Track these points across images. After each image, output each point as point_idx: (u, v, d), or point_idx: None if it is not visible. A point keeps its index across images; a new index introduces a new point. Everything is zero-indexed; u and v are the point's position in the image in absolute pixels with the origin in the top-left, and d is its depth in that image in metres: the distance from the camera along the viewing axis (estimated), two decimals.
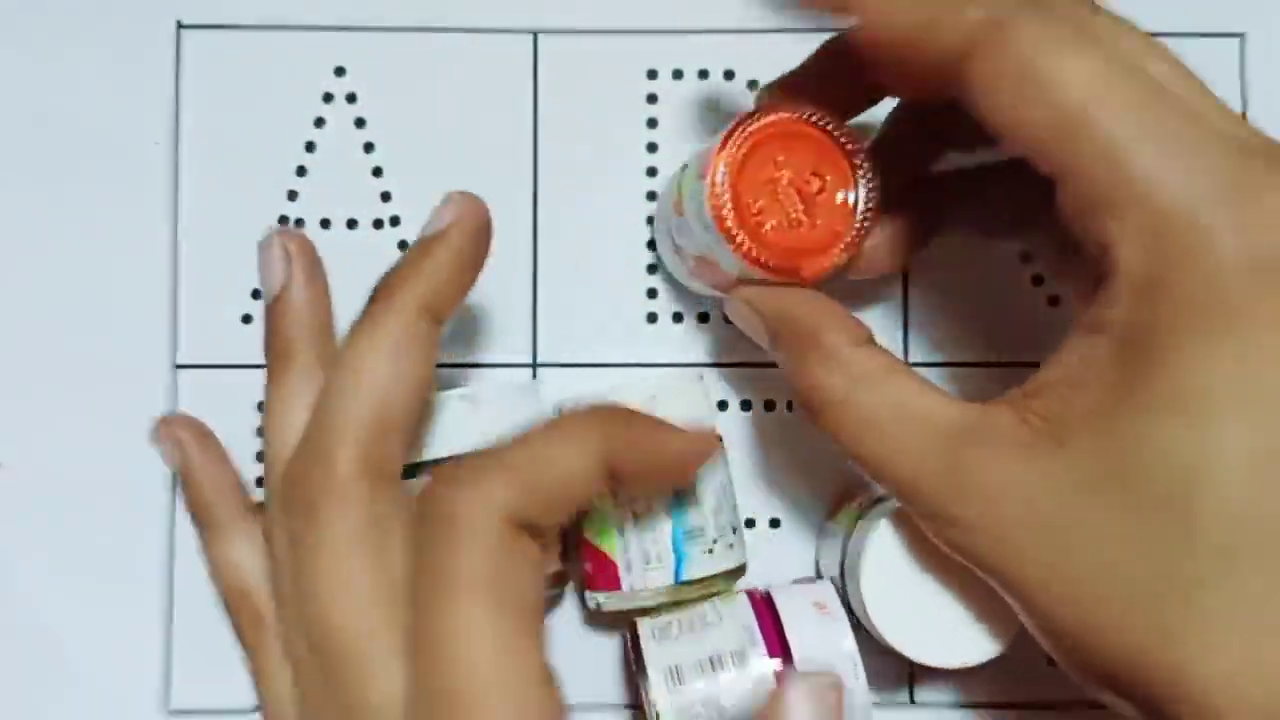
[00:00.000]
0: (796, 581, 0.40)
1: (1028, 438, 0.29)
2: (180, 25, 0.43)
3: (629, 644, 0.39)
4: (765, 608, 0.38)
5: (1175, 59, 0.29)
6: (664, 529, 0.37)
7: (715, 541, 0.37)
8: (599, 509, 0.38)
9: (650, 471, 0.31)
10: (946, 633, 0.35)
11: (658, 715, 0.36)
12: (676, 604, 0.39)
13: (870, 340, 0.33)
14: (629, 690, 0.42)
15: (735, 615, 0.38)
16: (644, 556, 0.37)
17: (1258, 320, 0.26)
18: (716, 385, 0.43)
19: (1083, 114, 0.27)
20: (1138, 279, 0.27)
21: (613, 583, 0.38)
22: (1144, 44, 0.29)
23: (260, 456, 0.42)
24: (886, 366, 0.32)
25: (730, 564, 0.38)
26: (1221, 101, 0.29)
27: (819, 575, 0.42)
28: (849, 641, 0.37)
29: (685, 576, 0.37)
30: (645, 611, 0.39)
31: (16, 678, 0.42)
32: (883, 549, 0.36)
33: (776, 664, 0.37)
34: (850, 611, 0.38)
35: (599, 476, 0.30)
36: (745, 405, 0.43)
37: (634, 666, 0.38)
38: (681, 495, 0.37)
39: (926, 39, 0.29)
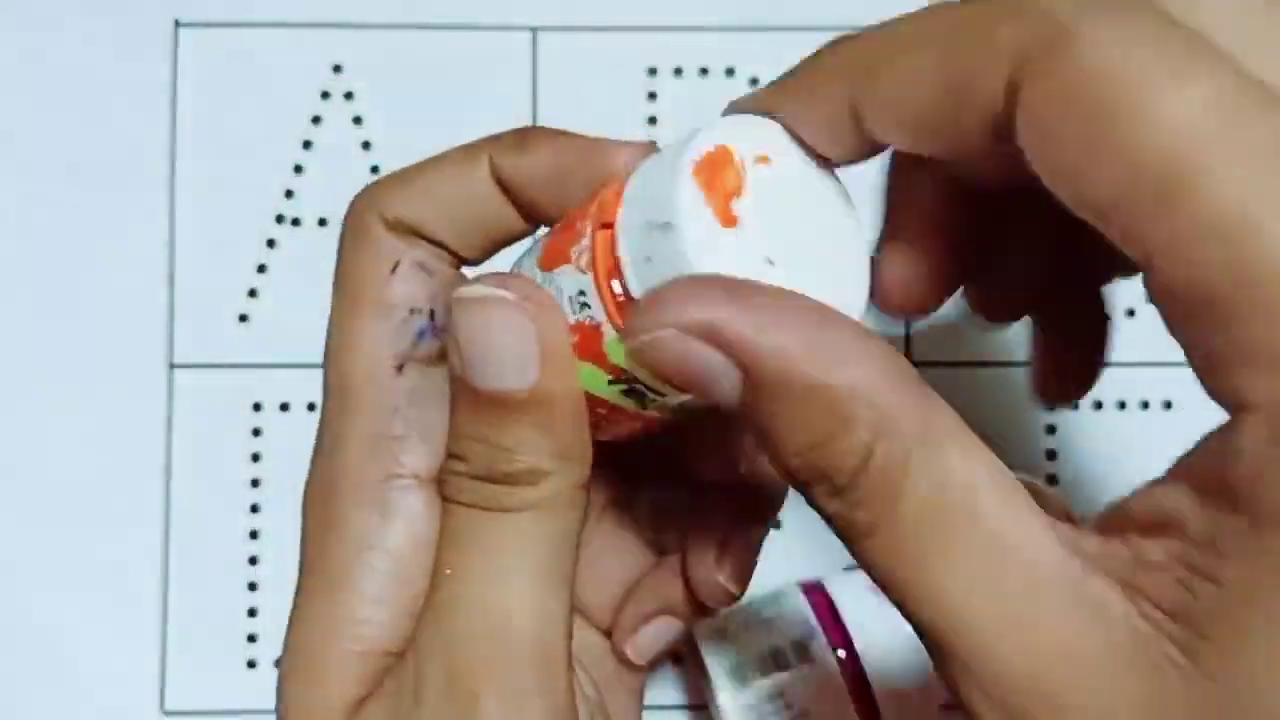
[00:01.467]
0: (847, 569, 0.40)
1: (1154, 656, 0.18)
2: (178, 23, 0.43)
3: (688, 647, 0.39)
4: (820, 597, 0.38)
5: None
6: None
7: None
8: None
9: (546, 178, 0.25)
10: None
11: (725, 717, 0.37)
12: None
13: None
14: (690, 691, 0.42)
15: (791, 608, 0.38)
16: None
17: None
18: None
19: (1186, 163, 0.17)
20: None
21: None
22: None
23: (257, 457, 0.42)
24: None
25: None
26: None
27: None
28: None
29: None
30: None
31: (12, 678, 0.42)
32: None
33: (840, 654, 0.37)
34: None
35: (488, 179, 0.26)
36: None
37: (696, 670, 0.39)
38: None
39: (958, 98, 0.20)
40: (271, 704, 0.42)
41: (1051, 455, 0.43)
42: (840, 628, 0.37)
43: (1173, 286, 0.18)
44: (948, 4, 0.21)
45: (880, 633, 0.37)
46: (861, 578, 0.39)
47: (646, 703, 0.42)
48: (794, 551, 0.43)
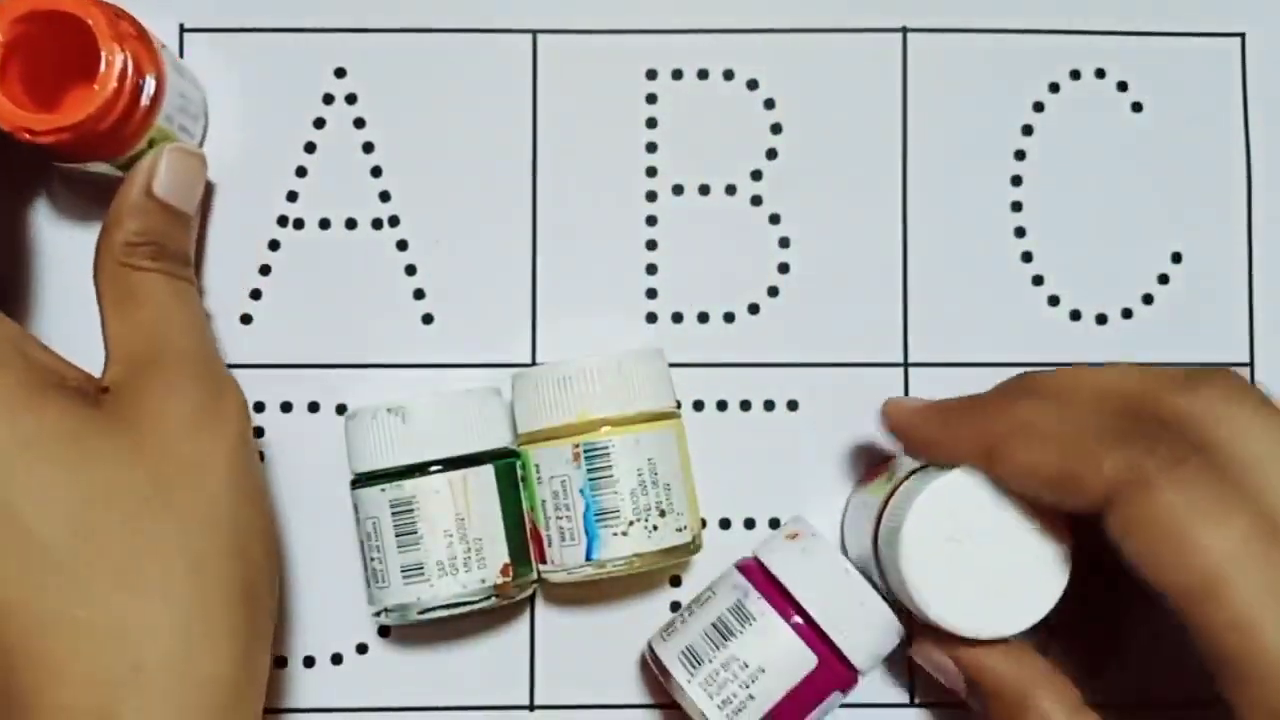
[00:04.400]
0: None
1: None
2: (183, 28, 0.43)
3: (651, 660, 0.40)
4: (750, 562, 0.40)
5: None
6: (577, 508, 0.38)
7: (631, 524, 0.38)
8: (529, 485, 0.39)
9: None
10: (986, 601, 0.35)
11: (692, 701, 0.38)
12: (613, 577, 0.40)
13: (1083, 707, 0.35)
14: (653, 692, 0.43)
15: (725, 581, 0.40)
16: (561, 533, 0.38)
17: None
18: (716, 385, 0.43)
19: (1218, 584, 0.29)
20: None
21: (542, 556, 0.39)
22: None
23: (260, 457, 0.42)
24: None
25: (651, 546, 0.38)
26: None
27: (844, 548, 0.42)
28: (836, 556, 0.38)
29: (595, 556, 0.38)
30: (589, 584, 0.41)
31: None
32: (923, 519, 0.36)
33: (778, 606, 0.38)
34: (885, 582, 0.38)
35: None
36: (745, 405, 0.43)
37: (660, 678, 0.40)
38: (596, 477, 0.38)
39: (1068, 490, 0.32)
40: (276, 703, 0.42)
41: None
42: (770, 579, 0.38)
43: (1209, 654, 0.30)
44: (1057, 411, 0.33)
45: (809, 574, 0.38)
46: (779, 532, 0.40)
47: (629, 701, 0.42)
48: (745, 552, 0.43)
